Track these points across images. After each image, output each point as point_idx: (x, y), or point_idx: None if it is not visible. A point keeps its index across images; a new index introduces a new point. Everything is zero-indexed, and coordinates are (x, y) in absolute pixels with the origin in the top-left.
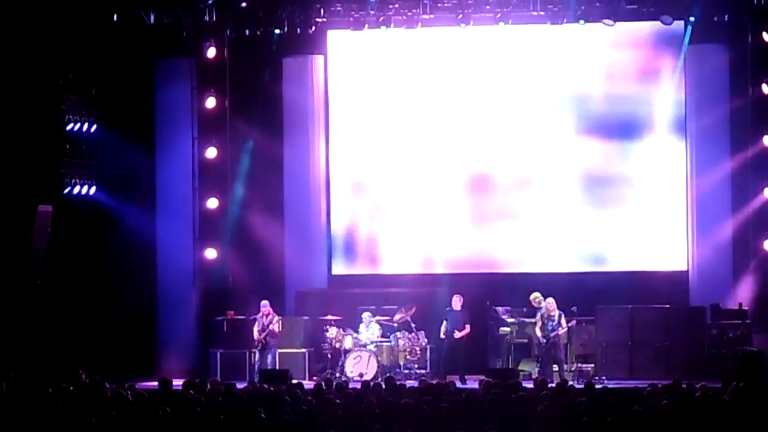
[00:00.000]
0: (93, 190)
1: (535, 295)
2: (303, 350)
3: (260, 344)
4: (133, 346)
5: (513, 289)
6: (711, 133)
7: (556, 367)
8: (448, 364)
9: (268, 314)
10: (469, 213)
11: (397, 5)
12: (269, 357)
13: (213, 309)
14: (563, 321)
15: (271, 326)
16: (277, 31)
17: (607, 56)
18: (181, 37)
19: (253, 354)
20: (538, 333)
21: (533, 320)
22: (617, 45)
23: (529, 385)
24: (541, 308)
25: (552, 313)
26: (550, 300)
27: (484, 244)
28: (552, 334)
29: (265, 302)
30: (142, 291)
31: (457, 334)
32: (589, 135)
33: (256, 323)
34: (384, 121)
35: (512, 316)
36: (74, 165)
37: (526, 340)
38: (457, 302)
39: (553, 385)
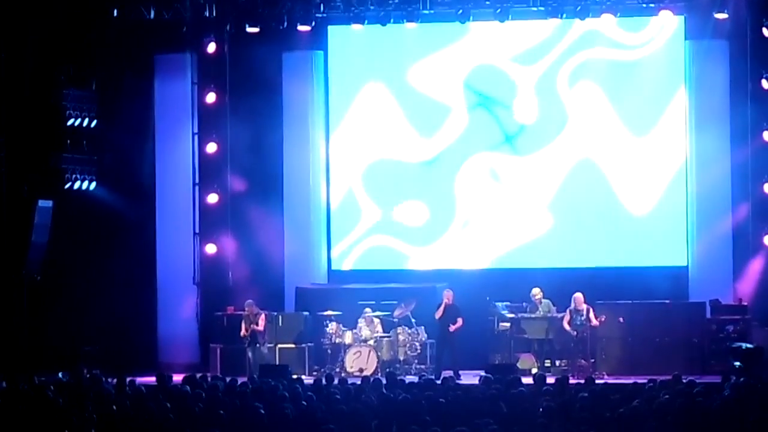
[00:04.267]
0: (93, 185)
1: (536, 291)
2: (303, 345)
3: (247, 341)
4: (133, 341)
5: (513, 284)
6: (711, 129)
7: (583, 361)
8: (442, 360)
9: (249, 314)
10: (470, 207)
11: (397, 0)
12: (258, 354)
13: (213, 304)
14: (592, 316)
15: (253, 325)
16: (277, 25)
17: (606, 51)
18: (181, 32)
19: (248, 350)
20: (567, 327)
21: (561, 315)
22: (617, 40)
23: (529, 380)
24: (542, 303)
25: (580, 308)
26: (578, 294)
27: (483, 239)
28: (582, 329)
29: (249, 302)
30: (141, 286)
31: (452, 327)
32: (590, 130)
33: (243, 321)
34: (384, 117)
35: (512, 312)
36: (74, 160)
37: (525, 336)
38: (449, 298)
39: (553, 380)
